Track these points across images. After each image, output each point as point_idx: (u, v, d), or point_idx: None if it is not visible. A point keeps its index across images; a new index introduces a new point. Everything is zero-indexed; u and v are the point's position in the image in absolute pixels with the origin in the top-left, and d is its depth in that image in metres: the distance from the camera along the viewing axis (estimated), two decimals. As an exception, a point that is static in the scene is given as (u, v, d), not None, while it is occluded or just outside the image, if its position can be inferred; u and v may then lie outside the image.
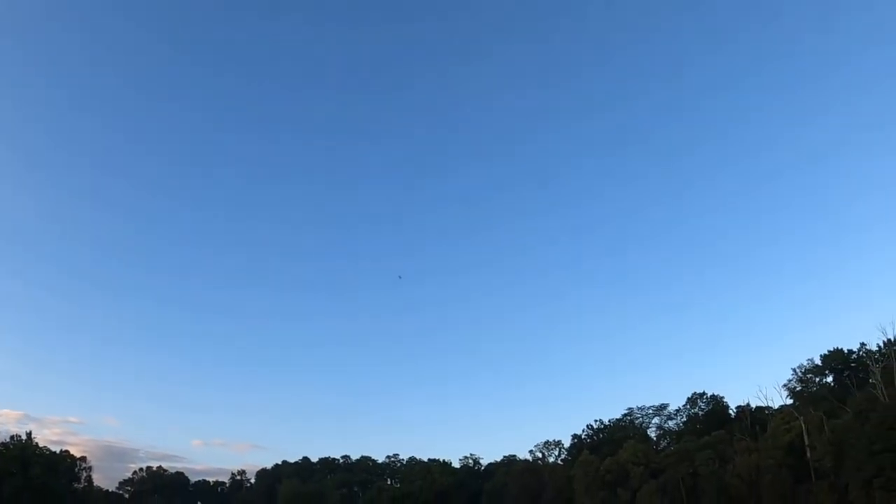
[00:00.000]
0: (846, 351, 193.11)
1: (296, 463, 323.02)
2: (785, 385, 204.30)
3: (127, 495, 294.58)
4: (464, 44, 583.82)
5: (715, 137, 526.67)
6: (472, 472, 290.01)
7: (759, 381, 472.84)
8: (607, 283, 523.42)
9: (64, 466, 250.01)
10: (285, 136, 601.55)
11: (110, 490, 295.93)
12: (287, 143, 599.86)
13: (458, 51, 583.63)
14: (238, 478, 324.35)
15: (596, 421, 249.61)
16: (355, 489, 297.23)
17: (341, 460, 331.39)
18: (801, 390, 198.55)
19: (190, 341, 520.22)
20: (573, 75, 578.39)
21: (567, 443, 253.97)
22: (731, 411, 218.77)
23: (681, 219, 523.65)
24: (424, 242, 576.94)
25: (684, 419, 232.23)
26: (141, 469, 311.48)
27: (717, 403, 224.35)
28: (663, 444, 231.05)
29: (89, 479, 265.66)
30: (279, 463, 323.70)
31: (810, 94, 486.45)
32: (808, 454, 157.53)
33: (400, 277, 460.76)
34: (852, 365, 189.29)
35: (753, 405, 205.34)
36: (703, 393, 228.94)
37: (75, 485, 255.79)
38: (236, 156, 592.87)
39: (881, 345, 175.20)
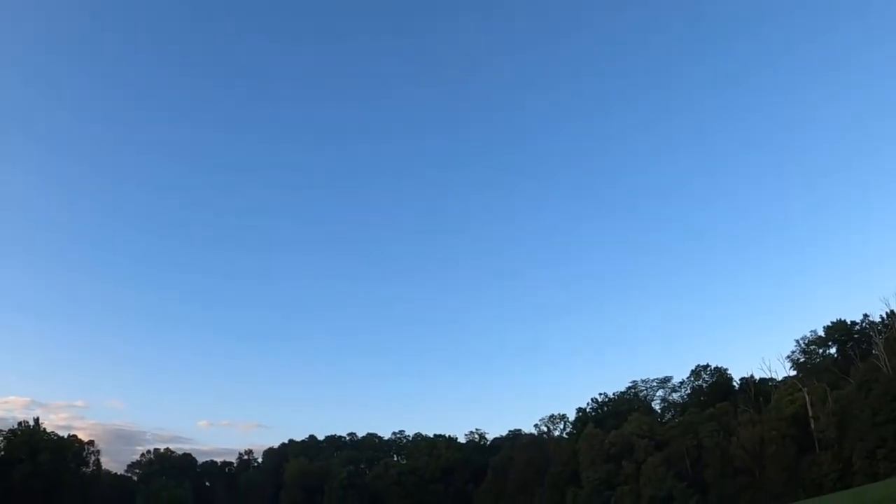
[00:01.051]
0: (849, 322, 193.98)
1: (302, 441, 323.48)
2: (788, 357, 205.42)
3: (135, 478, 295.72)
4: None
5: (713, 103, 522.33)
6: (477, 447, 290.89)
7: (762, 353, 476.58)
8: (611, 257, 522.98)
9: (72, 451, 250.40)
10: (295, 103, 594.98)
11: (119, 473, 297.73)
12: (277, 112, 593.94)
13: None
14: (245, 457, 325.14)
15: (600, 394, 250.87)
16: (362, 466, 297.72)
17: (347, 438, 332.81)
18: (804, 362, 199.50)
19: (193, 322, 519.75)
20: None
21: (572, 416, 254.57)
22: (734, 383, 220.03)
23: (682, 190, 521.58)
24: (425, 212, 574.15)
25: (688, 391, 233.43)
26: (148, 451, 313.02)
27: (720, 375, 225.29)
28: (668, 416, 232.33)
29: (97, 463, 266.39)
30: (286, 442, 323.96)
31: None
32: (812, 425, 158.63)
33: None
34: (855, 336, 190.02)
35: (757, 377, 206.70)
36: (707, 365, 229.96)
37: (84, 469, 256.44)
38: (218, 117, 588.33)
39: (884, 316, 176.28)
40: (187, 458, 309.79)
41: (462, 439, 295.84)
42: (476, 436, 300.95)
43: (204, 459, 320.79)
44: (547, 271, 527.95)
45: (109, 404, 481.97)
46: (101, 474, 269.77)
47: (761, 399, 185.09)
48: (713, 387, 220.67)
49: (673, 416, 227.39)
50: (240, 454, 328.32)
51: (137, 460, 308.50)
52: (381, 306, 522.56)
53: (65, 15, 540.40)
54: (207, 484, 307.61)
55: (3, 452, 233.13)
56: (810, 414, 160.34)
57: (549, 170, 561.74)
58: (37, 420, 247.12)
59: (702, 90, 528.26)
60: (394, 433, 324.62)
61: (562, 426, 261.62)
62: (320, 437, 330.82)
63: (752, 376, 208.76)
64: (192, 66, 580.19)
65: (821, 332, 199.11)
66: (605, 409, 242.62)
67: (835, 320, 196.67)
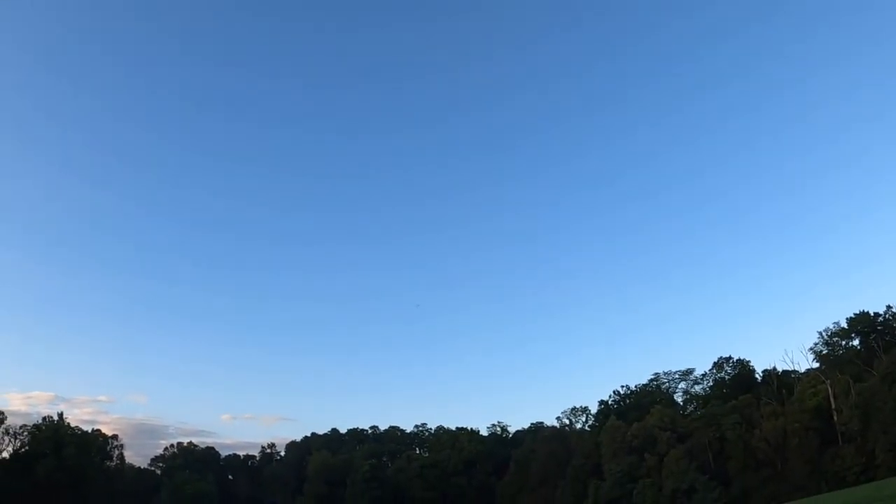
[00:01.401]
0: (872, 314, 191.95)
1: (325, 435, 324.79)
2: (811, 349, 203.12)
3: (159, 471, 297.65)
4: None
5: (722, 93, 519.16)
6: (499, 440, 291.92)
7: (785, 345, 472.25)
8: (632, 250, 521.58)
9: (96, 445, 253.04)
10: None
11: (142, 467, 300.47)
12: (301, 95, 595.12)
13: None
14: (268, 451, 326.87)
15: (622, 386, 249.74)
16: (384, 459, 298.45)
17: (370, 431, 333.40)
18: (827, 354, 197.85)
19: (215, 316, 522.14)
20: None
21: (594, 409, 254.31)
22: (757, 375, 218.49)
23: (702, 179, 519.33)
24: (445, 208, 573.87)
25: (711, 384, 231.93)
26: (172, 445, 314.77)
27: (743, 368, 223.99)
28: (690, 408, 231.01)
29: (121, 457, 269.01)
30: (308, 435, 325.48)
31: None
32: (835, 418, 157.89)
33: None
34: (879, 328, 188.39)
35: (780, 369, 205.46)
36: (730, 357, 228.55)
37: (108, 463, 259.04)
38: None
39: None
40: (210, 451, 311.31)
41: (484, 432, 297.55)
42: (498, 428, 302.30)
43: (227, 453, 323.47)
44: (569, 262, 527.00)
45: (133, 399, 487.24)
46: (125, 468, 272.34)
47: (784, 391, 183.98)
48: (735, 379, 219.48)
49: (695, 408, 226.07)
50: (263, 447, 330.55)
51: (161, 454, 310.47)
52: (403, 299, 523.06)
53: (110, 12, 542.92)
54: (231, 477, 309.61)
55: (28, 447, 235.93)
56: (833, 406, 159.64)
57: (567, 160, 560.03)
58: (61, 415, 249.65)
59: (710, 81, 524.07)
60: (416, 426, 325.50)
61: (584, 419, 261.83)
62: (343, 430, 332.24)
63: (774, 368, 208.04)
64: (195, 55, 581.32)
65: (844, 324, 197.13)
66: (628, 401, 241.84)
67: (858, 311, 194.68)
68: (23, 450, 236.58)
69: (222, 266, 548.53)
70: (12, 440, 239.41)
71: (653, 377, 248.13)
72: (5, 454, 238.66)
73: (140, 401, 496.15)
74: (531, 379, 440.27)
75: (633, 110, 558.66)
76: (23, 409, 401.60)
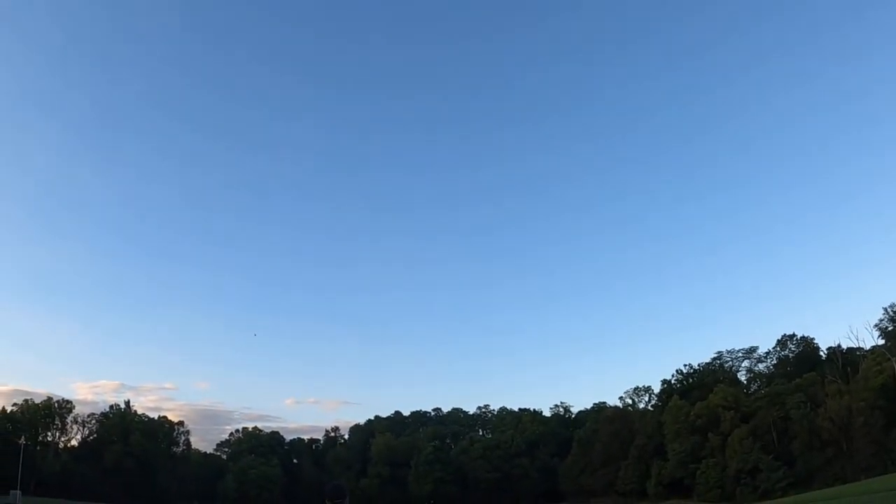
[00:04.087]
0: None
1: (388, 418, 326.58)
2: (876, 325, 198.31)
3: (224, 456, 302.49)
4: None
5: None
6: (562, 421, 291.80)
7: (850, 322, 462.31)
8: (693, 227, 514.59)
9: (162, 432, 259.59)
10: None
11: (208, 452, 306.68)
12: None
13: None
14: (332, 434, 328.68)
15: (685, 365, 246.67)
16: (447, 441, 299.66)
17: (433, 413, 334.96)
18: (892, 330, 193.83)
19: (277, 305, 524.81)
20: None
21: (657, 388, 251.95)
22: (821, 353, 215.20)
23: (759, 153, 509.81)
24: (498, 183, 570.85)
25: (774, 362, 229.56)
26: (237, 430, 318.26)
27: (807, 345, 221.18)
28: (753, 387, 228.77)
29: (188, 443, 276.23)
30: (372, 418, 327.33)
31: None
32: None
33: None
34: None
35: (844, 346, 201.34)
36: (793, 335, 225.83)
37: (174, 449, 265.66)
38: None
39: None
40: (275, 436, 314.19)
41: (547, 413, 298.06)
42: (561, 409, 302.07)
43: (291, 437, 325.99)
44: (627, 245, 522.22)
45: (197, 386, 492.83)
46: (191, 453, 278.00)
47: (849, 369, 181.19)
48: (799, 357, 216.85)
49: (759, 387, 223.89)
50: (327, 431, 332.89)
51: (226, 439, 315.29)
52: (461, 283, 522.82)
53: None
54: (295, 461, 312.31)
55: (96, 434, 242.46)
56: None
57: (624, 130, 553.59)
58: (128, 402, 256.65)
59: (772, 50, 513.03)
60: (479, 407, 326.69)
61: (647, 398, 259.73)
62: (406, 412, 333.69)
63: (839, 346, 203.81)
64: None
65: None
66: (691, 380, 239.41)
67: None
68: (91, 437, 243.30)
69: (287, 258, 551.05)
70: (81, 428, 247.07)
71: (716, 356, 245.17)
72: (74, 442, 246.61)
73: (203, 388, 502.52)
74: (594, 359, 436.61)
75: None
76: (89, 397, 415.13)
